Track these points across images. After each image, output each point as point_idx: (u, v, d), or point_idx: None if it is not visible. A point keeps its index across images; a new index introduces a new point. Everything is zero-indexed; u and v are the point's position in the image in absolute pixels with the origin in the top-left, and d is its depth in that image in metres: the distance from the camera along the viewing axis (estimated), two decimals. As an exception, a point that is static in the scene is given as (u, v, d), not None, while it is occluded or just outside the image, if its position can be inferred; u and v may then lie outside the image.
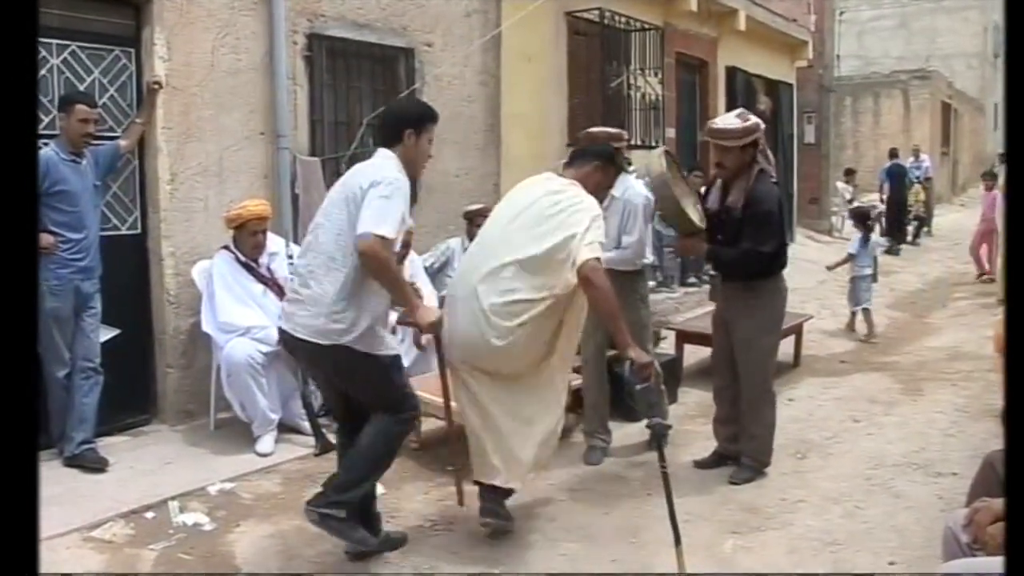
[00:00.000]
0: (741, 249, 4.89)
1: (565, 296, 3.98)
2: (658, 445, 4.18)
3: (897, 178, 17.79)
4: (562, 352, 4.21)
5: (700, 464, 5.29)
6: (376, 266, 3.56)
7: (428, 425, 5.60)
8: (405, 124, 3.84)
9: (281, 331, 3.84)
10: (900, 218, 17.59)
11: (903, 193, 17.76)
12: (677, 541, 3.82)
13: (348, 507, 3.72)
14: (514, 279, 3.94)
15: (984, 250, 13.12)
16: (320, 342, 3.64)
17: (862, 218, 9.90)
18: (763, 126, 5.04)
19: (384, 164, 3.75)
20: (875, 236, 10.00)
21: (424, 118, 3.91)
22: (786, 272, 5.17)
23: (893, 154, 18.62)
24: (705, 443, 5.48)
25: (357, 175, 3.75)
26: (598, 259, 3.90)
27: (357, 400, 3.90)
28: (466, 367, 4.12)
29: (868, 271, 9.38)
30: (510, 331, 3.92)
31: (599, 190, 4.40)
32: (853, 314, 9.53)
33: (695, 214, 4.96)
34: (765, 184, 4.94)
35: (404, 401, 3.89)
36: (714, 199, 5.11)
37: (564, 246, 3.92)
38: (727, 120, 5.05)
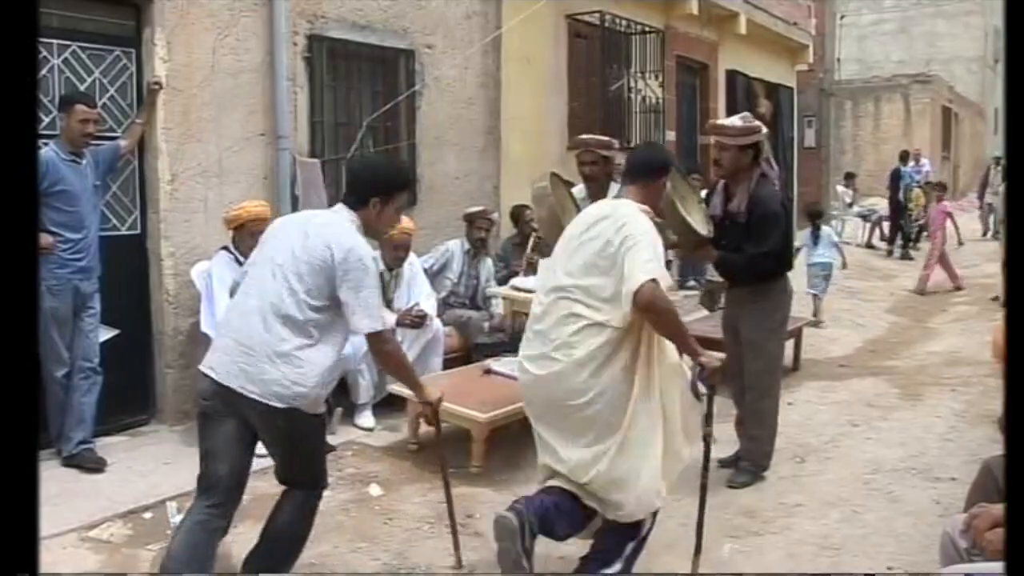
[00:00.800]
0: (748, 254, 4.89)
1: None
2: (705, 457, 3.90)
3: (896, 181, 17.79)
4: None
5: (724, 463, 5.25)
6: (395, 362, 3.60)
7: (426, 425, 5.61)
8: (373, 191, 3.50)
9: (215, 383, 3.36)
10: (904, 225, 17.58)
11: (907, 196, 17.74)
12: (697, 551, 3.83)
13: None
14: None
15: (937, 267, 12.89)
16: (273, 404, 3.26)
17: (812, 216, 10.51)
18: (765, 131, 5.04)
19: (350, 233, 3.41)
20: (827, 229, 10.64)
21: (394, 187, 3.58)
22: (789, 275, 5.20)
23: (902, 157, 18.64)
24: (722, 444, 5.46)
25: (318, 235, 3.36)
26: (655, 280, 3.46)
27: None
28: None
29: (817, 260, 10.10)
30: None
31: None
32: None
33: (702, 222, 4.87)
34: (768, 188, 4.94)
35: (325, 473, 3.67)
36: (716, 205, 5.10)
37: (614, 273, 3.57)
38: (730, 119, 5.11)
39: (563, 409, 3.59)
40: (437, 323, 6.31)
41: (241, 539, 4.27)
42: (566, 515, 3.65)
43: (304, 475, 3.54)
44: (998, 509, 2.56)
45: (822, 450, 5.72)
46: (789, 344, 7.61)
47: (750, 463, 5.15)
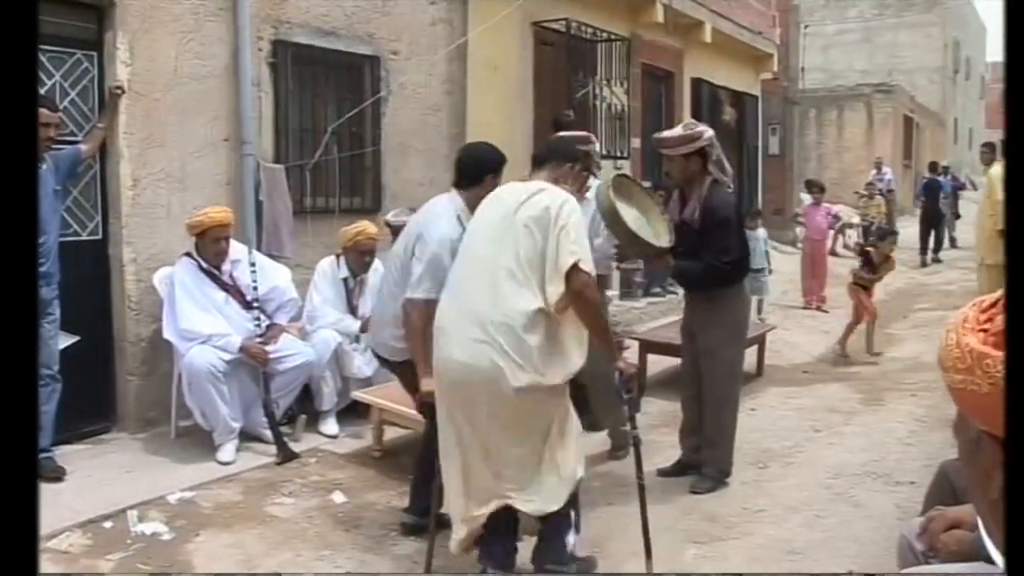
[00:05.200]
0: (704, 263, 4.93)
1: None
2: (636, 458, 4.00)
3: (932, 192, 18.08)
4: None
5: (663, 472, 5.31)
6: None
7: (391, 433, 5.60)
8: (487, 169, 4.24)
9: None
10: (938, 232, 17.99)
11: (936, 207, 18.09)
12: (648, 554, 3.84)
13: None
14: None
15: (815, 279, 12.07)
16: None
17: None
18: (709, 134, 5.04)
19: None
20: (761, 232, 10.51)
21: (501, 164, 4.29)
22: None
23: (932, 168, 18.98)
24: (668, 452, 5.50)
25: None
26: (579, 265, 3.50)
27: None
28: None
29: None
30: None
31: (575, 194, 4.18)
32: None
33: (664, 231, 4.86)
34: (720, 194, 5.00)
35: None
36: (673, 210, 5.15)
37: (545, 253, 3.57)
38: (673, 130, 5.16)
39: (500, 404, 3.51)
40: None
41: (201, 548, 4.25)
42: (512, 535, 3.84)
43: None
44: (953, 512, 2.59)
45: (785, 455, 5.77)
46: (753, 350, 7.68)
47: (712, 469, 5.17)
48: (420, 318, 3.95)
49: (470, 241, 3.80)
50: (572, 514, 3.81)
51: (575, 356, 3.65)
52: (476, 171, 4.26)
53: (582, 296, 3.52)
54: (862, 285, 9.00)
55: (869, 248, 9.35)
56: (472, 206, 4.04)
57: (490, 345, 3.46)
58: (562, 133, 5.79)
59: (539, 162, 4.08)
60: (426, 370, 3.88)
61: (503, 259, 3.56)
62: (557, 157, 4.06)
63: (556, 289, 3.48)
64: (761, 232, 10.52)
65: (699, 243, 4.96)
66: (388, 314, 4.29)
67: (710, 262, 4.91)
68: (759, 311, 10.09)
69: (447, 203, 4.26)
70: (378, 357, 4.71)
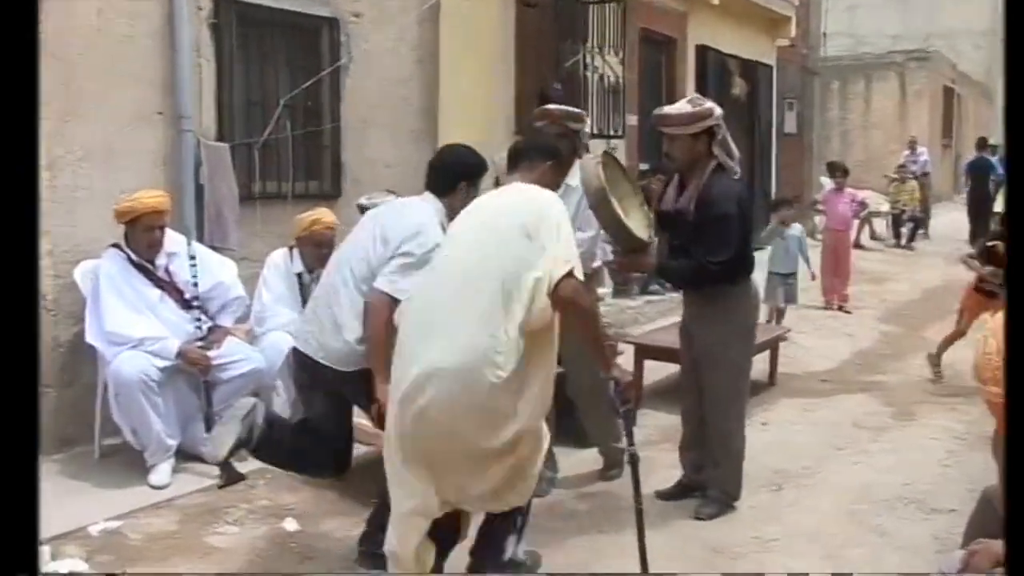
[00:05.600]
0: (692, 262, 4.96)
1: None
2: (634, 478, 4.02)
3: (981, 173, 18.03)
4: None
5: (663, 495, 5.33)
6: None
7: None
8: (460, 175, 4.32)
9: None
10: (987, 220, 17.91)
11: (985, 190, 18.06)
12: None
13: None
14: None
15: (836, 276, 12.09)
16: None
17: (773, 208, 10.70)
18: (719, 112, 5.06)
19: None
20: (796, 228, 10.40)
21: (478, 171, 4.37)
22: (759, 278, 5.22)
23: (980, 145, 18.88)
24: (668, 472, 5.51)
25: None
26: (572, 274, 3.55)
27: None
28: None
29: (777, 269, 10.06)
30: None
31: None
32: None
33: (643, 225, 4.90)
34: (722, 182, 4.99)
35: None
36: (670, 196, 5.17)
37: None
38: (677, 105, 5.13)
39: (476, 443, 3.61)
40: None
41: (132, 583, 4.22)
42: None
43: None
44: (999, 545, 2.59)
45: (801, 477, 5.79)
46: (764, 356, 7.70)
47: (717, 491, 5.20)
48: (388, 317, 3.98)
49: (448, 251, 3.85)
50: (520, 518, 4.00)
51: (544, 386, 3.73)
52: (448, 178, 4.30)
53: (573, 304, 3.58)
54: (989, 292, 8.14)
55: (992, 244, 8.61)
56: (448, 216, 4.12)
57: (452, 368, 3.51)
58: (549, 107, 5.77)
59: (514, 160, 4.14)
60: (387, 376, 3.91)
61: (482, 273, 3.61)
62: (534, 154, 4.13)
63: (541, 304, 3.53)
64: (796, 229, 10.35)
65: (692, 237, 4.98)
66: (343, 316, 4.27)
67: (698, 261, 4.93)
68: (777, 319, 9.97)
69: (430, 207, 4.28)
70: (305, 371, 4.47)
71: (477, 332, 3.49)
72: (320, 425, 4.38)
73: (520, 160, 4.10)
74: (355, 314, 4.18)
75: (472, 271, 3.63)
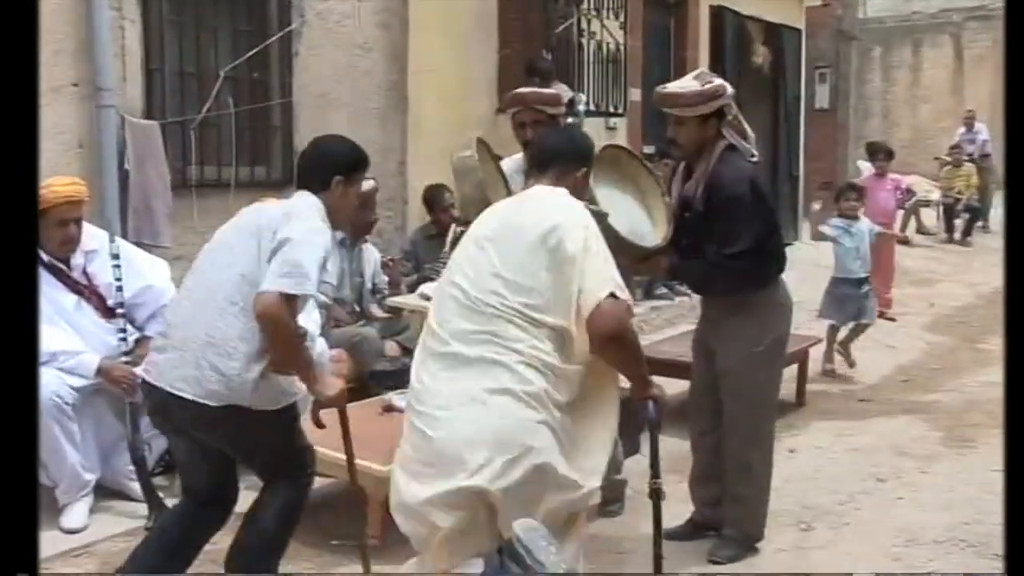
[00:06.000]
0: (708, 259, 4.93)
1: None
2: (656, 517, 4.04)
3: None
4: None
5: (671, 535, 5.24)
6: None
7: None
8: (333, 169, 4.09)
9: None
10: None
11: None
12: None
13: None
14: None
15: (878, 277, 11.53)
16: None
17: (837, 195, 10.02)
18: (731, 91, 5.02)
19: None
20: (861, 224, 9.57)
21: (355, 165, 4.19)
22: (788, 278, 5.17)
23: None
24: (678, 507, 5.44)
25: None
26: (615, 296, 3.60)
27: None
28: None
29: (843, 274, 9.33)
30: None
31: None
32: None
33: (664, 220, 4.93)
34: (733, 164, 4.94)
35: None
36: (675, 187, 5.15)
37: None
38: (682, 82, 5.08)
39: None
40: (321, 344, 6.20)
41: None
42: None
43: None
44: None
45: (836, 513, 5.76)
46: (792, 372, 7.65)
47: (736, 531, 5.15)
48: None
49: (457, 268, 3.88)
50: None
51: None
52: (319, 172, 4.14)
53: (617, 336, 3.66)
54: None
55: None
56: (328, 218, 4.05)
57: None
58: (521, 90, 5.76)
59: (541, 164, 4.10)
60: (317, 373, 3.98)
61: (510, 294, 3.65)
62: (567, 158, 4.09)
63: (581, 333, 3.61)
64: (863, 224, 9.51)
65: (704, 230, 4.94)
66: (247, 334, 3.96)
67: (717, 259, 4.88)
68: (845, 344, 9.36)
69: (313, 206, 4.09)
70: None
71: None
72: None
73: (548, 164, 4.07)
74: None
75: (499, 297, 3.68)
